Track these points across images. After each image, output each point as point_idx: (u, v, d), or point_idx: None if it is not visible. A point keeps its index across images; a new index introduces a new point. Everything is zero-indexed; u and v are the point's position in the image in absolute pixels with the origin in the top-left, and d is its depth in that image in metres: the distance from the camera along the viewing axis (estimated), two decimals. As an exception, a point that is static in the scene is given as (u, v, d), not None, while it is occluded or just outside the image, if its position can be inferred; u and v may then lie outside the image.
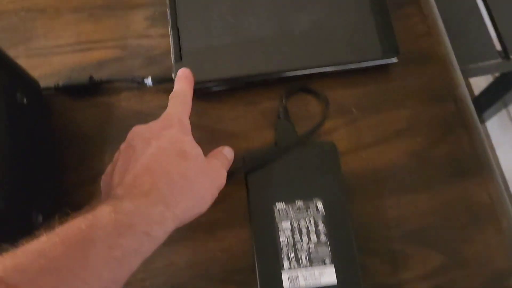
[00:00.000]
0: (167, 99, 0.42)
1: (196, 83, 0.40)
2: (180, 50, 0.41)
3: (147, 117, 0.41)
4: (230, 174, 0.37)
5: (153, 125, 0.33)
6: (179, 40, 0.41)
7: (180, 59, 0.40)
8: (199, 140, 0.40)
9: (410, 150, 0.40)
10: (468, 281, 0.37)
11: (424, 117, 0.41)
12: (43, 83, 0.43)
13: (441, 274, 0.37)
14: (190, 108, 0.36)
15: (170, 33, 0.42)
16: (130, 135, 0.33)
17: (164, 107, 0.41)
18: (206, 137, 0.41)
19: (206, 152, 0.39)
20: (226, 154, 0.37)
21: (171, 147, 0.32)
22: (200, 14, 0.42)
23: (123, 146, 0.33)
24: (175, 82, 0.38)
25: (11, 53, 0.43)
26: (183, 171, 0.31)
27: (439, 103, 0.42)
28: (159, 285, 0.37)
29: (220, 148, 0.38)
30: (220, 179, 0.35)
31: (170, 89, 0.42)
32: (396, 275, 0.37)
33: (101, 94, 0.43)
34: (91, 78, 0.42)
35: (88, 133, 0.42)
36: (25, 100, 0.36)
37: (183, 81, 0.38)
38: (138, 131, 0.33)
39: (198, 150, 0.33)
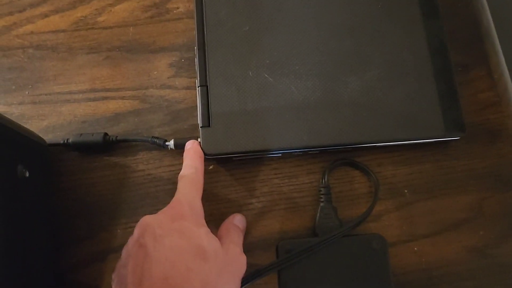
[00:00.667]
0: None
1: (226, 154, 0.36)
2: (209, 113, 0.36)
3: (167, 184, 0.37)
4: (262, 271, 0.33)
5: (163, 217, 0.30)
6: (208, 99, 0.36)
7: (208, 124, 0.36)
8: (224, 216, 0.36)
9: (471, 246, 0.36)
10: None
11: (489, 205, 0.36)
12: (50, 136, 0.38)
13: None
14: (202, 188, 0.33)
15: (198, 90, 0.37)
16: (139, 230, 0.30)
17: (186, 175, 0.37)
18: (232, 213, 0.36)
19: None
20: (238, 224, 0.35)
21: (187, 245, 0.28)
22: (234, 69, 0.37)
23: (131, 244, 0.29)
24: (183, 156, 0.35)
25: (16, 98, 0.39)
26: (205, 277, 0.28)
27: (507, 189, 0.37)
28: None
29: (231, 219, 0.35)
30: (241, 267, 0.31)
31: (195, 154, 0.37)
32: None
33: (115, 154, 0.39)
34: (105, 135, 0.38)
35: (99, 200, 0.37)
36: (27, 173, 0.31)
37: (193, 156, 0.35)
38: (146, 224, 0.29)
39: (215, 243, 0.30)
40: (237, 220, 0.35)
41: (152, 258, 0.27)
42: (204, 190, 0.37)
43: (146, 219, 0.30)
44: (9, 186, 0.30)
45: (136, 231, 0.30)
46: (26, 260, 0.31)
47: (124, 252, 0.30)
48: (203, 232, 0.30)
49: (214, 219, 0.37)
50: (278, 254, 0.34)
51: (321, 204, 0.36)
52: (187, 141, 0.37)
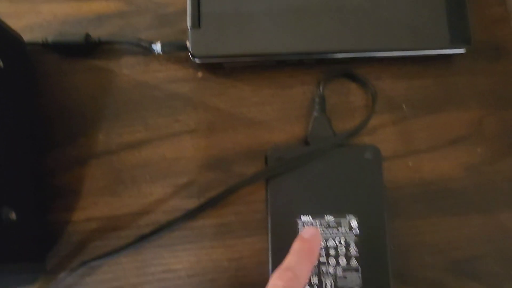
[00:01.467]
0: (178, 70, 0.37)
1: (216, 56, 0.34)
2: (199, 13, 0.34)
3: (153, 90, 0.36)
4: (249, 179, 0.32)
5: None
6: (198, 1, 0.35)
7: (198, 25, 0.34)
8: (210, 126, 0.35)
9: (468, 163, 0.35)
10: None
11: (489, 123, 0.36)
12: (28, 37, 0.37)
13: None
14: None
15: (189, -12, 0.35)
16: None
17: (175, 81, 0.36)
18: (221, 122, 0.36)
19: (217, 141, 0.34)
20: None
21: None
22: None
23: None
24: (293, 245, 0.28)
25: (-9, -5, 0.37)
26: None
27: (508, 107, 0.36)
28: (155, 295, 0.33)
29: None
30: None
31: (183, 59, 0.36)
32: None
33: (98, 57, 0.37)
34: (87, 36, 0.36)
35: (80, 104, 0.36)
36: (1, 63, 0.30)
37: (302, 255, 0.28)
38: None
39: None
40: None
41: None
42: (192, 98, 0.36)
43: None
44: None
45: None
46: (4, 160, 0.29)
47: None
48: None
49: (202, 128, 0.36)
50: (267, 162, 0.33)
51: (315, 113, 0.35)
52: (175, 46, 0.35)
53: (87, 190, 0.35)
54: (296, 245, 0.28)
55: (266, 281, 0.31)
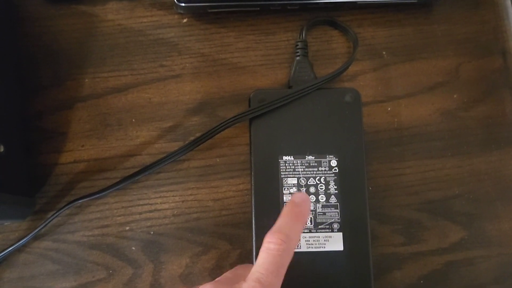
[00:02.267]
0: (163, 16, 0.38)
1: (200, 1, 0.35)
2: (183, -44, 0.35)
3: (137, 35, 0.37)
4: (230, 120, 0.33)
5: None
6: None
7: (183, -33, 0.35)
8: (195, 71, 0.36)
9: (444, 108, 0.37)
10: (487, 262, 0.35)
11: (465, 70, 0.38)
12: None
13: (458, 250, 0.35)
14: (286, 268, 0.27)
15: None
16: None
17: (160, 27, 0.37)
18: (206, 67, 0.37)
19: (202, 86, 0.35)
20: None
21: None
22: None
23: None
24: (283, 209, 0.29)
25: None
26: None
27: (485, 56, 0.38)
28: (142, 231, 0.35)
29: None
30: None
31: (168, 4, 0.37)
32: (409, 247, 0.35)
33: (83, 2, 0.38)
34: (71, -19, 0.36)
35: (66, 48, 0.37)
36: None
37: (294, 218, 0.28)
38: None
39: None
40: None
41: None
42: (177, 44, 0.37)
43: None
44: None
45: None
46: None
47: None
48: None
49: (186, 73, 0.37)
50: (250, 105, 0.35)
51: (297, 58, 0.36)
52: None
53: (74, 133, 0.36)
54: (287, 208, 0.29)
55: (249, 220, 0.33)
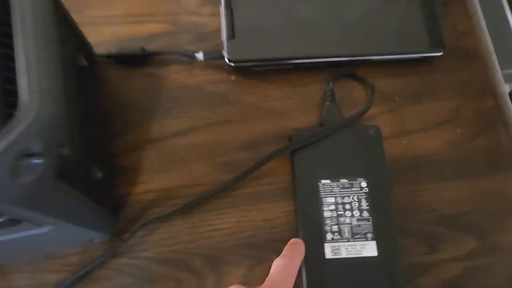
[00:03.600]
0: (215, 74, 0.47)
1: (246, 61, 0.45)
2: (233, 28, 0.45)
3: (195, 90, 0.46)
4: (276, 152, 0.42)
5: None
6: (232, 18, 0.46)
7: (233, 37, 0.45)
8: (243, 117, 0.45)
9: (451, 140, 0.45)
10: (500, 266, 0.41)
11: (465, 110, 0.46)
12: (95, 51, 0.47)
13: (474, 257, 0.41)
14: (294, 280, 0.36)
15: (223, 11, 0.46)
16: None
17: (213, 83, 0.46)
18: (251, 114, 0.46)
19: (248, 128, 0.44)
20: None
21: None
22: (254, -4, 0.47)
23: None
24: (286, 247, 0.39)
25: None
26: None
27: (480, 98, 0.47)
28: (204, 248, 0.41)
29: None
30: None
31: (219, 66, 0.47)
32: (431, 256, 0.41)
33: (151, 66, 0.47)
34: (143, 49, 0.47)
35: (137, 102, 0.46)
36: (85, 63, 0.40)
37: (292, 249, 0.39)
38: None
39: None
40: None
41: None
42: (227, 95, 0.46)
43: None
44: (75, 69, 0.38)
45: None
46: (91, 138, 0.39)
47: None
48: None
49: (236, 119, 0.46)
50: (291, 140, 0.43)
51: (327, 103, 0.45)
52: (213, 55, 0.46)
53: (145, 169, 0.44)
54: (286, 247, 0.38)
55: (294, 236, 0.40)
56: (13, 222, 0.28)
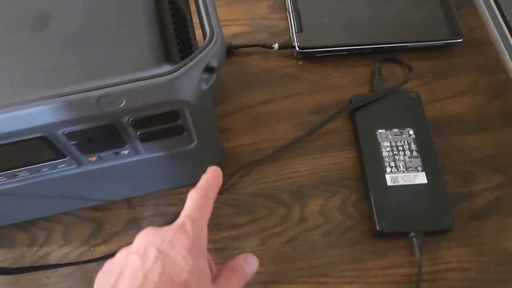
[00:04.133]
0: (287, 61, 0.59)
1: (313, 47, 0.58)
2: (301, 24, 0.59)
3: (272, 72, 0.58)
4: (342, 110, 0.53)
5: (166, 238, 0.32)
6: (299, 18, 0.59)
7: (301, 30, 0.58)
8: (311, 92, 0.57)
9: (473, 104, 0.57)
10: (523, 193, 0.51)
11: (483, 82, 0.58)
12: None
13: (502, 189, 0.52)
14: (210, 213, 0.36)
15: (292, 13, 0.60)
16: (140, 244, 0.32)
17: (285, 67, 0.59)
18: (316, 88, 0.58)
19: (316, 98, 0.55)
20: (247, 268, 0.36)
21: (177, 277, 0.30)
22: (313, 2, 0.60)
23: (128, 254, 0.32)
24: (202, 178, 0.38)
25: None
26: None
27: (494, 73, 0.59)
28: (289, 185, 0.52)
29: (240, 260, 0.37)
30: None
31: (289, 54, 0.59)
32: (468, 187, 0.52)
33: (236, 56, 0.60)
34: (230, 43, 0.59)
35: (229, 81, 0.58)
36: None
37: (209, 179, 0.38)
38: (149, 242, 0.32)
39: (206, 283, 0.32)
40: (247, 264, 0.36)
41: (141, 283, 0.29)
42: (296, 75, 0.59)
43: (149, 237, 0.32)
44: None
45: (136, 245, 0.32)
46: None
47: (117, 259, 0.33)
48: (197, 267, 0.31)
49: (305, 91, 0.58)
50: (351, 102, 0.55)
51: (376, 77, 0.57)
52: (285, 45, 0.59)
53: (238, 129, 0.55)
54: (203, 176, 0.38)
55: (359, 175, 0.51)
56: (180, 130, 0.39)
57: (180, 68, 0.33)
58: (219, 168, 0.39)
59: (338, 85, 0.58)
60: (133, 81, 0.33)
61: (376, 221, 0.47)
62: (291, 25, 0.60)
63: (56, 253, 0.49)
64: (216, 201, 0.50)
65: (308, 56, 0.60)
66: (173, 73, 0.33)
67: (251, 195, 0.52)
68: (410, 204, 0.48)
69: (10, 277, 0.48)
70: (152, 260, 0.30)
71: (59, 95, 0.32)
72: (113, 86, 0.32)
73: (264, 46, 0.60)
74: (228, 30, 0.62)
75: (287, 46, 0.59)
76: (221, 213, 0.51)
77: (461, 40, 0.59)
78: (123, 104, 0.33)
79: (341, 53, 0.59)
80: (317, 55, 0.59)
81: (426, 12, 0.60)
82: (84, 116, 0.33)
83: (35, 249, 0.49)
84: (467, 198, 0.51)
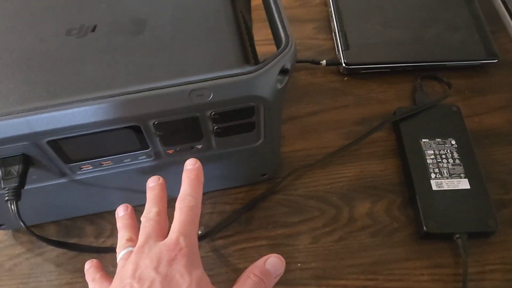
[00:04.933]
0: (333, 76, 0.63)
1: (359, 64, 0.61)
2: (347, 43, 0.62)
3: (319, 86, 0.62)
4: (387, 120, 0.56)
5: (162, 256, 0.32)
6: (346, 37, 0.63)
7: (348, 48, 0.62)
8: (357, 105, 0.60)
9: (509, 119, 0.59)
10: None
11: (518, 98, 0.61)
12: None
13: (541, 197, 0.53)
14: (199, 220, 0.35)
15: (339, 33, 0.63)
16: (135, 266, 0.32)
17: (331, 81, 0.62)
18: (361, 101, 0.61)
19: (361, 110, 0.58)
20: (270, 268, 0.35)
21: None
22: (359, 23, 0.64)
23: (129, 278, 0.31)
24: (183, 177, 0.37)
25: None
26: None
27: (526, 91, 0.62)
28: (338, 189, 0.54)
29: (262, 261, 0.36)
30: None
31: (335, 71, 0.63)
32: (508, 195, 0.53)
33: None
34: (281, 59, 0.63)
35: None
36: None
37: (193, 183, 0.36)
38: (144, 263, 0.31)
39: None
40: (269, 263, 0.35)
41: None
42: (341, 89, 0.62)
43: (143, 261, 0.32)
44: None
45: (130, 268, 0.32)
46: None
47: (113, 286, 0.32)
48: (195, 279, 0.31)
49: (351, 104, 0.61)
50: (395, 113, 0.58)
51: (417, 91, 0.60)
52: (332, 62, 0.62)
53: (289, 137, 0.58)
54: (185, 176, 0.36)
55: (402, 179, 0.53)
56: (251, 126, 0.42)
57: (261, 68, 0.37)
58: (198, 161, 0.38)
59: (381, 99, 0.61)
60: (220, 78, 0.36)
61: (423, 222, 0.49)
62: (337, 44, 0.63)
63: (123, 244, 0.51)
64: (270, 201, 0.54)
65: (353, 72, 0.63)
66: (255, 72, 0.36)
67: (303, 197, 0.54)
68: (454, 207, 0.50)
69: (78, 264, 0.50)
70: (151, 282, 0.30)
71: (157, 88, 0.35)
72: (203, 81, 0.36)
73: (312, 62, 0.63)
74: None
75: (334, 62, 0.63)
76: (275, 212, 0.53)
77: (496, 60, 0.62)
78: (210, 97, 0.36)
79: (384, 70, 0.63)
80: (362, 71, 0.62)
81: (463, 34, 0.63)
82: (177, 107, 0.36)
83: (102, 240, 0.52)
84: (507, 204, 0.53)
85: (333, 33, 0.65)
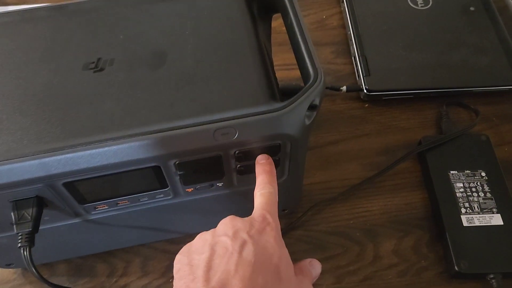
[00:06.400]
0: (353, 103, 0.62)
1: (381, 90, 0.60)
2: (368, 69, 0.62)
3: (339, 114, 0.61)
4: (413, 151, 0.55)
5: (251, 225, 0.33)
6: (366, 62, 0.62)
7: (369, 74, 0.61)
8: (379, 133, 0.59)
9: (541, 147, 0.58)
10: None
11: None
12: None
13: None
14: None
15: (359, 58, 0.63)
16: (227, 227, 0.33)
17: (351, 108, 0.61)
18: (384, 130, 0.60)
19: (383, 139, 0.57)
20: (312, 270, 0.38)
21: (268, 262, 0.31)
22: (380, 48, 0.64)
23: (215, 236, 0.33)
24: (257, 171, 0.38)
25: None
26: None
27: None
28: (361, 224, 0.53)
29: (306, 262, 0.38)
30: None
31: (355, 97, 0.62)
32: (543, 231, 0.52)
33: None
34: (299, 85, 0.62)
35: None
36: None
37: (270, 175, 0.38)
38: (237, 227, 0.33)
39: (291, 270, 0.33)
40: (313, 266, 0.38)
41: (237, 261, 0.30)
42: (363, 117, 0.61)
43: (237, 223, 0.33)
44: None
45: (223, 228, 0.33)
46: None
47: (203, 240, 0.34)
48: (284, 254, 0.33)
49: (372, 133, 0.60)
50: (421, 143, 0.57)
51: (444, 119, 0.59)
52: (352, 88, 0.62)
53: (308, 167, 0.57)
54: (260, 171, 0.38)
55: (429, 213, 0.52)
56: (276, 163, 0.41)
57: (289, 105, 0.36)
58: (269, 156, 0.39)
59: (405, 127, 0.60)
60: (246, 116, 0.35)
61: (454, 261, 0.48)
62: (358, 69, 0.63)
63: (135, 284, 0.50)
64: (290, 237, 0.52)
65: (374, 99, 0.62)
66: (283, 110, 0.36)
67: (324, 233, 0.53)
68: (487, 245, 0.49)
69: (90, 307, 0.49)
70: (244, 242, 0.32)
71: (180, 127, 0.34)
72: (229, 120, 0.35)
73: (332, 88, 0.62)
74: (295, 73, 0.65)
75: (355, 89, 0.62)
76: (295, 249, 0.52)
77: (522, 86, 0.61)
78: (235, 136, 0.35)
79: (408, 96, 0.62)
80: (384, 98, 0.62)
81: (490, 58, 0.62)
82: (201, 147, 0.35)
83: (114, 279, 0.50)
84: (543, 241, 0.51)
85: (353, 58, 0.65)
